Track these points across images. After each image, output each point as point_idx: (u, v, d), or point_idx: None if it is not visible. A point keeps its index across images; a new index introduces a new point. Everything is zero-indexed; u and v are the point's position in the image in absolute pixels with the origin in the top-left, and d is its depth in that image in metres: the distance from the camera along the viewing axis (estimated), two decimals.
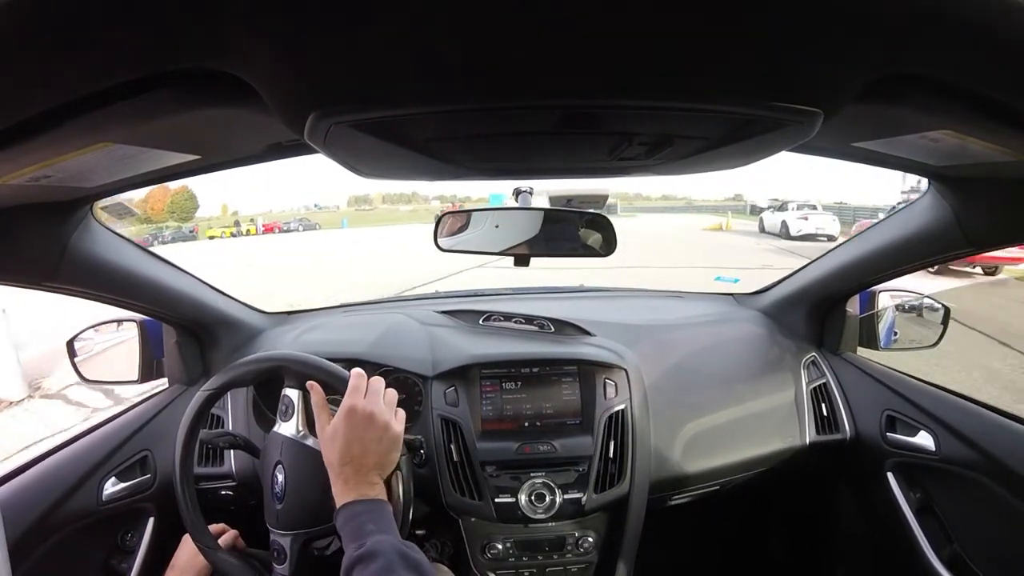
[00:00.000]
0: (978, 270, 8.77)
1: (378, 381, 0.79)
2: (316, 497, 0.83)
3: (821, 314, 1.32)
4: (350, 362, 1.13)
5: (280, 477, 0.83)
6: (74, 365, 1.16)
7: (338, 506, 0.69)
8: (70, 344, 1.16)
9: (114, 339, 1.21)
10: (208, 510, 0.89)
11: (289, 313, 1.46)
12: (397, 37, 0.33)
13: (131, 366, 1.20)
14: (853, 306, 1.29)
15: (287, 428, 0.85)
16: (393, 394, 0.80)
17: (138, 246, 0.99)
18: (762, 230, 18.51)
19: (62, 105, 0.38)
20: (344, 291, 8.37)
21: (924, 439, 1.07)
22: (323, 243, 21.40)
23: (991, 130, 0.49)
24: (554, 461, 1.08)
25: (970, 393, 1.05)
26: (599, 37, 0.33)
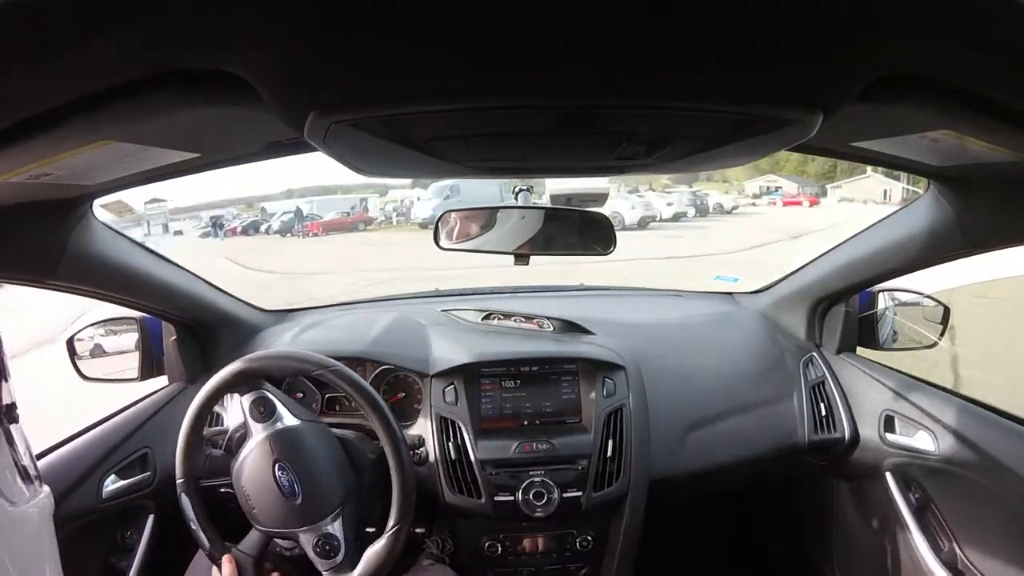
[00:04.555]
0: None
1: None
2: (333, 475, 0.88)
3: (821, 314, 1.31)
4: (350, 360, 1.13)
5: (286, 474, 0.84)
6: (74, 363, 1.16)
7: None
8: (70, 342, 1.16)
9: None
10: (208, 508, 0.89)
11: (288, 311, 1.46)
12: (397, 36, 0.33)
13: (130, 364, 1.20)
14: (853, 306, 1.29)
15: (269, 425, 0.88)
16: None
17: (138, 244, 0.99)
18: None
19: (62, 104, 0.38)
20: None
21: (923, 439, 1.07)
22: None
23: (991, 130, 0.49)
24: (553, 460, 1.08)
25: None
26: (599, 37, 0.33)
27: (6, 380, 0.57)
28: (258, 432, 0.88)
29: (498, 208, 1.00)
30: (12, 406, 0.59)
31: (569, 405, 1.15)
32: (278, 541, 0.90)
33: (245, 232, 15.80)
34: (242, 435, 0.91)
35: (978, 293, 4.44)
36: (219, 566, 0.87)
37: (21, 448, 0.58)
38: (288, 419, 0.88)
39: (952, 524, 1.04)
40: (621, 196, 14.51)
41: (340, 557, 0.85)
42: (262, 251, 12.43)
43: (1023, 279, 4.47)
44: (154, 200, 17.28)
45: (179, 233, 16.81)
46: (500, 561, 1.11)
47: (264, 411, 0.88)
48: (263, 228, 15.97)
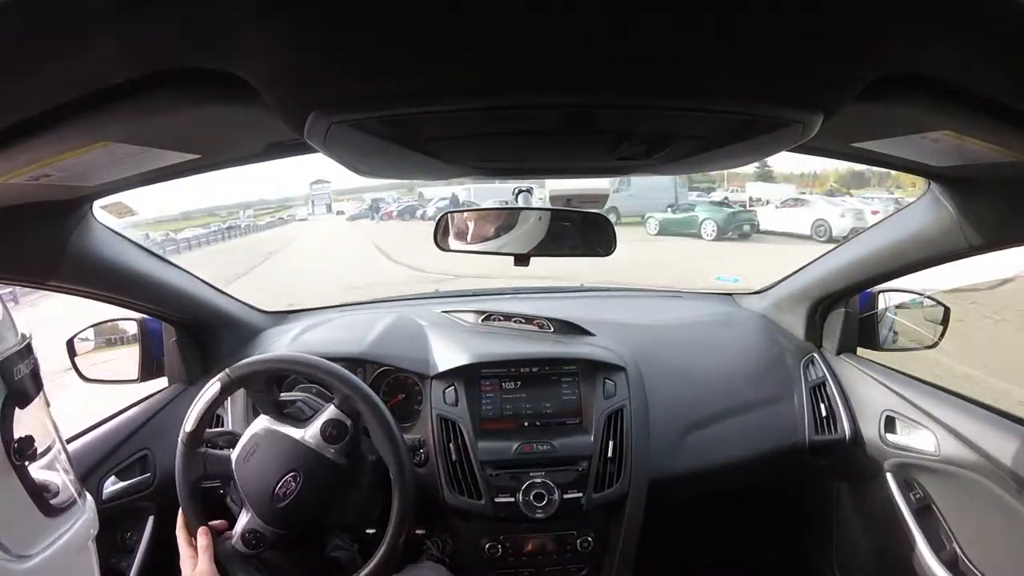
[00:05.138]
0: None
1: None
2: (318, 508, 0.87)
3: (821, 314, 1.31)
4: (349, 361, 1.13)
5: (290, 485, 0.85)
6: (74, 364, 1.16)
7: None
8: (70, 343, 1.16)
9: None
10: (207, 508, 0.89)
11: (288, 312, 1.46)
12: (397, 36, 0.33)
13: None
14: (853, 306, 1.29)
15: (325, 447, 0.87)
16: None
17: (138, 245, 0.99)
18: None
19: (62, 105, 0.38)
20: None
21: (923, 439, 1.07)
22: None
23: (991, 130, 0.49)
24: (553, 460, 1.08)
25: None
26: (599, 37, 0.33)
27: (20, 407, 0.52)
28: (311, 440, 0.87)
29: (502, 210, 1.00)
30: (27, 440, 0.52)
31: (569, 406, 1.15)
32: (232, 491, 0.90)
33: (400, 216, 15.87)
34: (307, 414, 0.91)
35: None
36: (193, 535, 0.87)
37: (50, 482, 0.55)
38: (338, 456, 0.87)
39: (952, 524, 1.04)
40: (826, 201, 11.19)
41: (252, 552, 0.86)
42: (420, 239, 12.39)
43: None
44: (319, 181, 17.96)
45: (340, 213, 17.84)
46: (500, 562, 1.11)
47: (335, 436, 0.87)
48: (418, 213, 15.75)
